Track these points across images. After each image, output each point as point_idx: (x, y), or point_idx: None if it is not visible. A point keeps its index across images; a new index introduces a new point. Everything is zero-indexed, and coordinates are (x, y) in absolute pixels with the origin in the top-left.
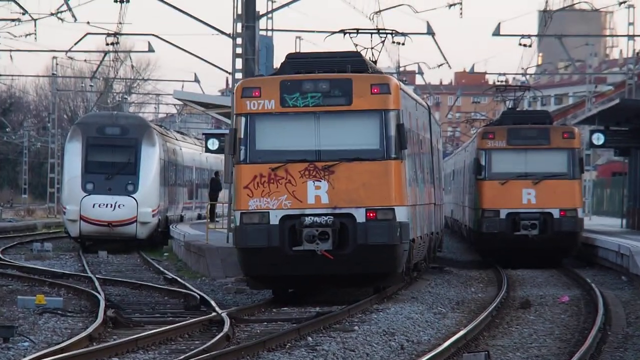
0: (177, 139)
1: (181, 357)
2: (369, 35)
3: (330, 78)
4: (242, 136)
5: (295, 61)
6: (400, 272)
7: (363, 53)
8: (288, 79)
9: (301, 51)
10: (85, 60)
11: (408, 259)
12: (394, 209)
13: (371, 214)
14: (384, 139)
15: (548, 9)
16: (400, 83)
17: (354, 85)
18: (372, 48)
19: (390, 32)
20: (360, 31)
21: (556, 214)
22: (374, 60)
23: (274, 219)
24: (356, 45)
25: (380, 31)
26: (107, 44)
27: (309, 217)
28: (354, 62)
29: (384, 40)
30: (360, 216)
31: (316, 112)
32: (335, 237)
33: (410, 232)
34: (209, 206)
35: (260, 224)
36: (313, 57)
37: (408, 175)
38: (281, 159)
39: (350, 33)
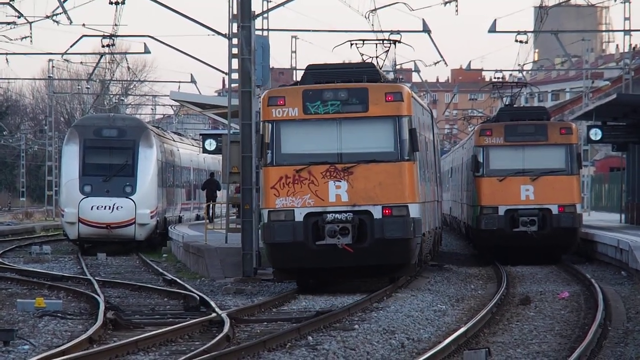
0: (174, 140)
1: (182, 358)
2: (374, 44)
3: (348, 87)
4: (268, 141)
5: (316, 72)
6: (414, 263)
7: (367, 61)
8: (310, 89)
9: (319, 62)
10: (81, 63)
11: (420, 251)
12: (407, 205)
13: (387, 211)
14: (398, 142)
15: (544, 5)
16: (411, 91)
17: (369, 93)
18: (377, 57)
19: (394, 41)
20: (365, 41)
21: (555, 210)
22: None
23: (299, 216)
24: (362, 54)
25: (385, 41)
26: (103, 46)
27: (331, 214)
28: (369, 72)
29: (387, 50)
30: (377, 213)
31: (336, 118)
32: (355, 232)
33: (422, 227)
34: (206, 207)
35: (286, 220)
36: (332, 68)
37: (418, 174)
38: (304, 161)
39: (356, 43)
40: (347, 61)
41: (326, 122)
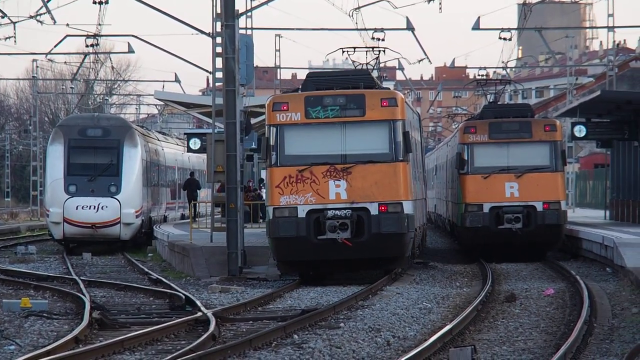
0: (158, 140)
1: (168, 358)
2: (364, 52)
3: (346, 94)
4: (273, 143)
5: (316, 79)
6: (407, 256)
7: (359, 67)
8: (311, 95)
9: (319, 70)
10: (65, 63)
11: (412, 245)
12: (402, 203)
13: (383, 208)
14: (392, 144)
15: (527, 2)
16: (403, 95)
17: (366, 99)
18: (367, 63)
19: (383, 49)
20: (357, 49)
21: (539, 207)
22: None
23: (301, 213)
24: (353, 61)
25: (374, 49)
26: (87, 46)
27: (331, 210)
28: (365, 79)
29: (377, 57)
30: (374, 209)
31: (335, 122)
32: (353, 227)
33: (415, 222)
34: (191, 207)
35: (290, 217)
36: (330, 75)
37: (411, 174)
38: (306, 162)
39: (347, 50)
40: (331, 60)
41: (326, 125)
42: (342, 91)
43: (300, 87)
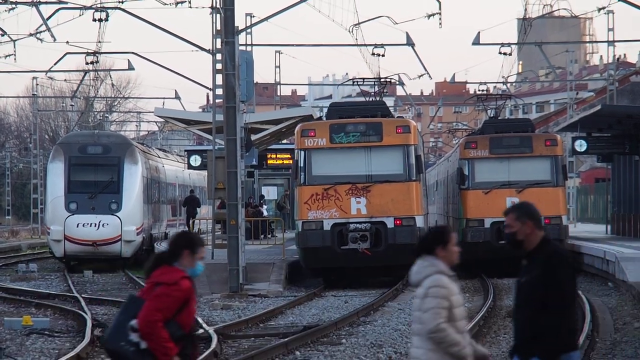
0: (159, 157)
1: None
2: (372, 81)
3: (366, 122)
4: (301, 165)
5: (338, 108)
6: None
7: (367, 97)
8: (335, 123)
9: (339, 101)
10: (65, 80)
11: None
12: (414, 217)
13: (398, 222)
14: (406, 166)
15: (527, 16)
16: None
17: (383, 127)
18: (374, 92)
19: (390, 79)
20: (365, 80)
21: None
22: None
23: (327, 226)
24: (362, 90)
25: (382, 79)
26: (87, 63)
27: (353, 224)
28: (381, 109)
29: (384, 87)
30: (390, 223)
31: (356, 146)
32: (372, 239)
33: None
34: (191, 223)
35: (317, 229)
36: (351, 105)
37: (422, 192)
38: (331, 181)
39: (357, 81)
40: (331, 76)
41: (349, 149)
42: (362, 119)
43: (325, 115)
